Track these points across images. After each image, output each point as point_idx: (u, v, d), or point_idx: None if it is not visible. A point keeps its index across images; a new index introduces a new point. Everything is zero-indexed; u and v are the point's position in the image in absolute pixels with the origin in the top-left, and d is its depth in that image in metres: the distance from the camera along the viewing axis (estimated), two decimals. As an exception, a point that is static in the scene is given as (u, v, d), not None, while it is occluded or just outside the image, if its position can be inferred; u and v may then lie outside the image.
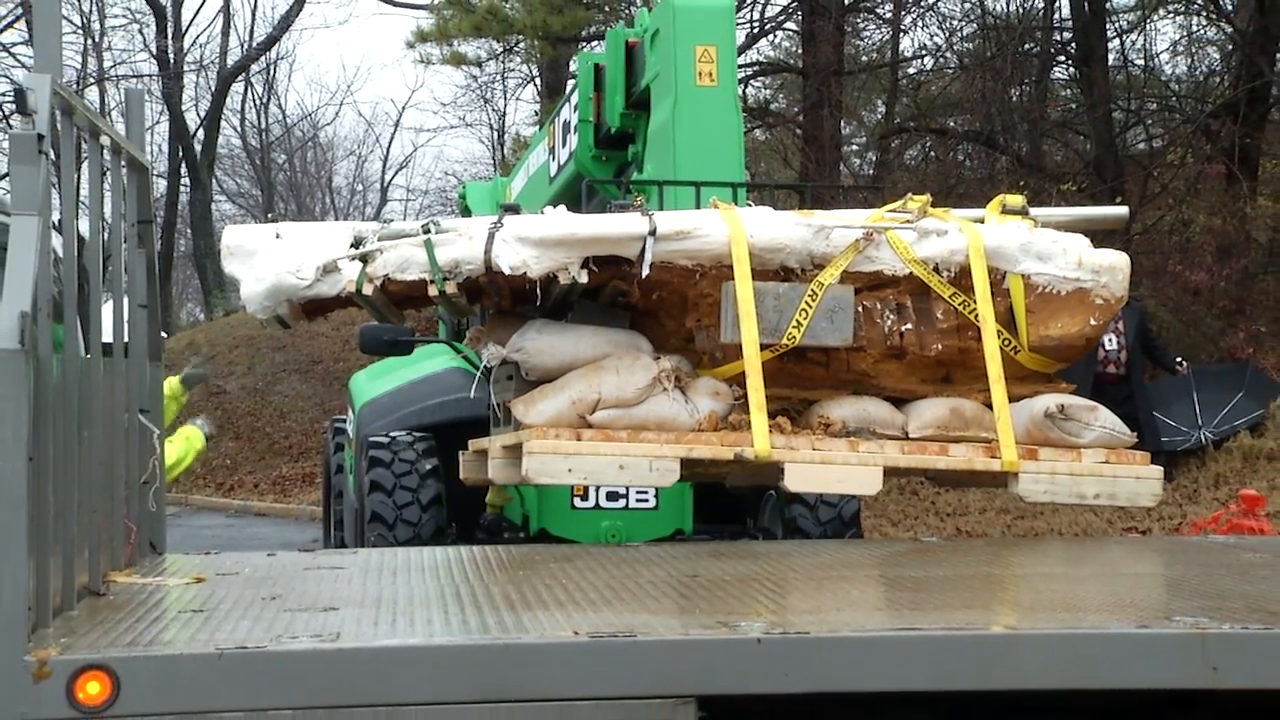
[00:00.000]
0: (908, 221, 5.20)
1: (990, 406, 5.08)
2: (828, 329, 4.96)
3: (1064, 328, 5.23)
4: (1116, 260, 5.31)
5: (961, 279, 5.14)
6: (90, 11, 31.94)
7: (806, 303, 4.94)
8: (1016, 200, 5.53)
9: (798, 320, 4.93)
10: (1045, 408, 5.11)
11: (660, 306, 5.18)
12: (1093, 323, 5.25)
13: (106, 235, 4.28)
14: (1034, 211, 5.56)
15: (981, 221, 5.38)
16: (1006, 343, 5.17)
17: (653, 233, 4.88)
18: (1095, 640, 3.35)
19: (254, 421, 23.20)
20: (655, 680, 3.18)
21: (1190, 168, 17.95)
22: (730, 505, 7.71)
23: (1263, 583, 4.48)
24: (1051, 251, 5.23)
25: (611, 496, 7.31)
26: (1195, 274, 15.72)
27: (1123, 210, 7.01)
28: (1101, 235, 5.61)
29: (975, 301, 5.10)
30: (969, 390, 5.19)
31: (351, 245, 4.92)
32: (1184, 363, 13.24)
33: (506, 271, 4.83)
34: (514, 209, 5.20)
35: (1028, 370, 5.25)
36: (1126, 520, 11.64)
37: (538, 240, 4.83)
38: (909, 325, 5.15)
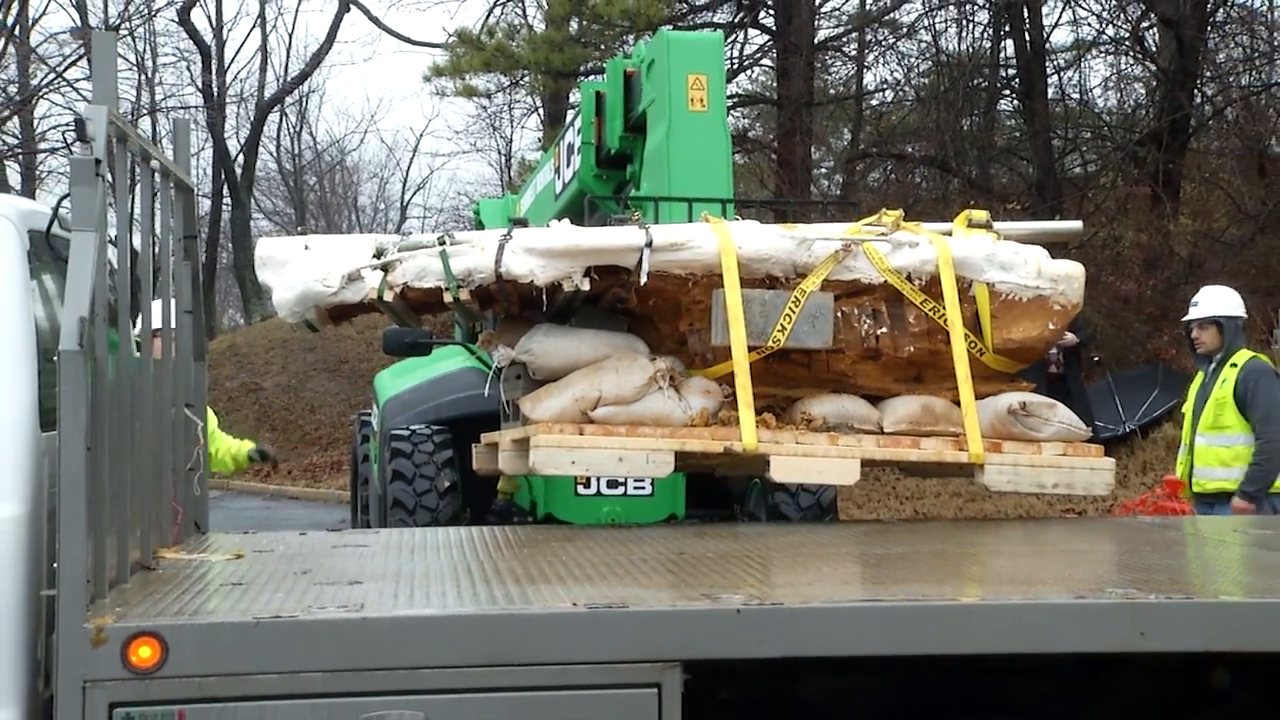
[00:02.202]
0: (882, 234, 5.15)
1: (958, 404, 5.04)
2: (809, 332, 4.92)
3: (1025, 331, 5.18)
4: (1073, 270, 5.26)
5: (932, 287, 5.10)
6: (144, 50, 32.14)
7: (790, 308, 4.90)
8: (981, 215, 5.47)
9: (782, 324, 4.89)
10: (1009, 405, 5.07)
11: (656, 312, 5.13)
12: (1051, 327, 5.20)
13: (156, 249, 4.26)
14: (996, 225, 5.49)
15: (949, 234, 5.32)
16: (973, 345, 5.12)
17: (649, 244, 4.85)
18: (1037, 610, 3.36)
19: (287, 415, 23.18)
20: (645, 646, 3.18)
21: (1120, 190, 18.07)
22: (719, 492, 7.66)
23: (1184, 558, 4.49)
24: (1014, 262, 5.18)
25: (611, 484, 7.23)
26: (1125, 284, 15.77)
27: (1077, 225, 6.89)
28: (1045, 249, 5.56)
29: (944, 308, 5.06)
30: (939, 389, 5.15)
31: (374, 256, 4.88)
32: (1059, 364, 12.99)
33: (513, 278, 4.80)
34: (522, 223, 5.16)
35: (992, 370, 5.20)
36: (1065, 503, 11.64)
37: (544, 251, 4.80)
38: (884, 329, 5.10)
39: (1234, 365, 6.93)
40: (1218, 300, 7.12)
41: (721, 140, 6.91)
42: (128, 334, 3.90)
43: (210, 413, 6.71)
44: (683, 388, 4.94)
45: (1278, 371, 7.13)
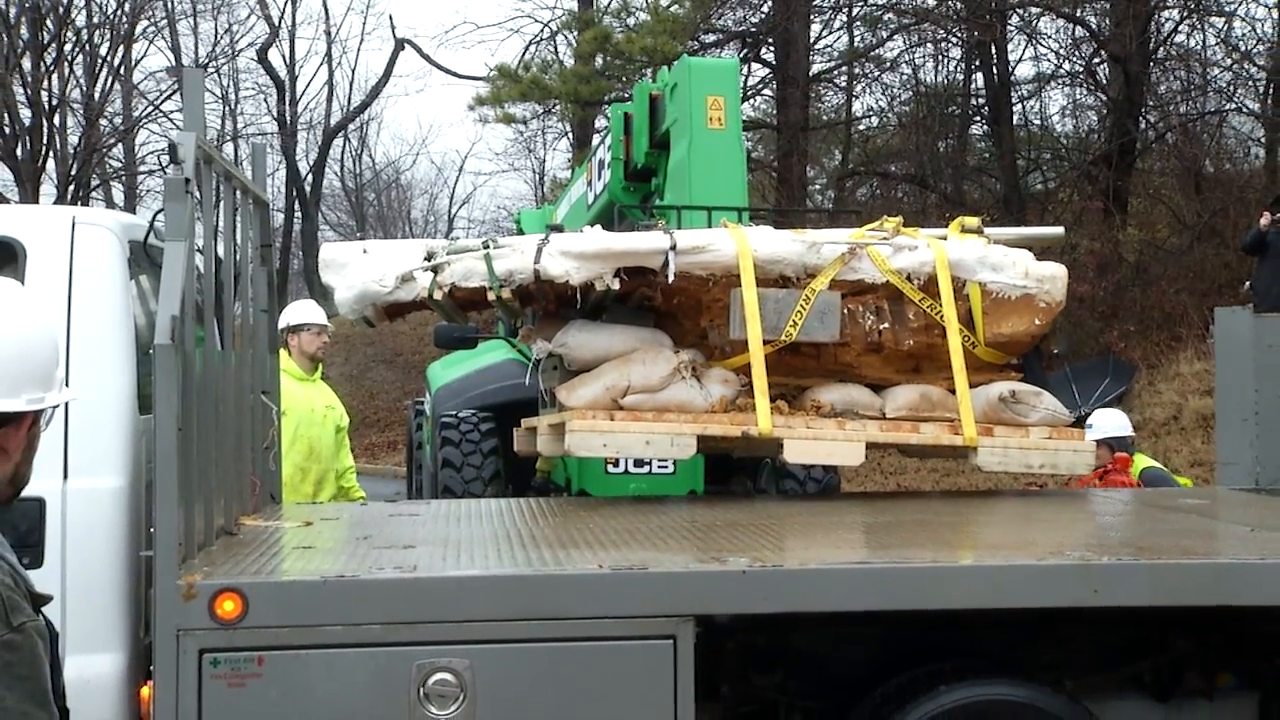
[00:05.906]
0: (884, 239, 5.02)
1: (953, 392, 4.90)
2: (819, 327, 4.79)
3: (1013, 327, 5.03)
4: (1056, 271, 5.10)
5: (929, 286, 4.95)
6: (227, 85, 32.32)
7: (801, 306, 4.77)
8: (973, 221, 5.33)
9: (794, 320, 4.77)
10: (999, 393, 4.93)
11: (679, 309, 5.03)
12: (1037, 323, 5.04)
13: (237, 256, 4.26)
14: (987, 231, 5.35)
15: (945, 239, 5.19)
16: (966, 339, 4.97)
17: (673, 248, 4.73)
18: (1005, 570, 3.34)
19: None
20: (662, 603, 3.17)
21: (1076, 204, 18.11)
22: (734, 470, 7.56)
23: (1132, 525, 4.46)
24: (1003, 263, 5.03)
25: (638, 464, 7.07)
26: (1080, 286, 15.66)
27: (1059, 230, 6.63)
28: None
29: (940, 305, 4.91)
30: (935, 378, 5.01)
31: (425, 259, 4.80)
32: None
33: (550, 278, 4.76)
34: (558, 229, 5.07)
35: (984, 362, 5.05)
36: (1028, 478, 11.58)
37: (578, 254, 4.71)
38: (886, 324, 4.97)
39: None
40: (1109, 423, 7.18)
41: (737, 155, 6.78)
42: (213, 330, 3.91)
43: (349, 454, 6.79)
44: (704, 377, 4.85)
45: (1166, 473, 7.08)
